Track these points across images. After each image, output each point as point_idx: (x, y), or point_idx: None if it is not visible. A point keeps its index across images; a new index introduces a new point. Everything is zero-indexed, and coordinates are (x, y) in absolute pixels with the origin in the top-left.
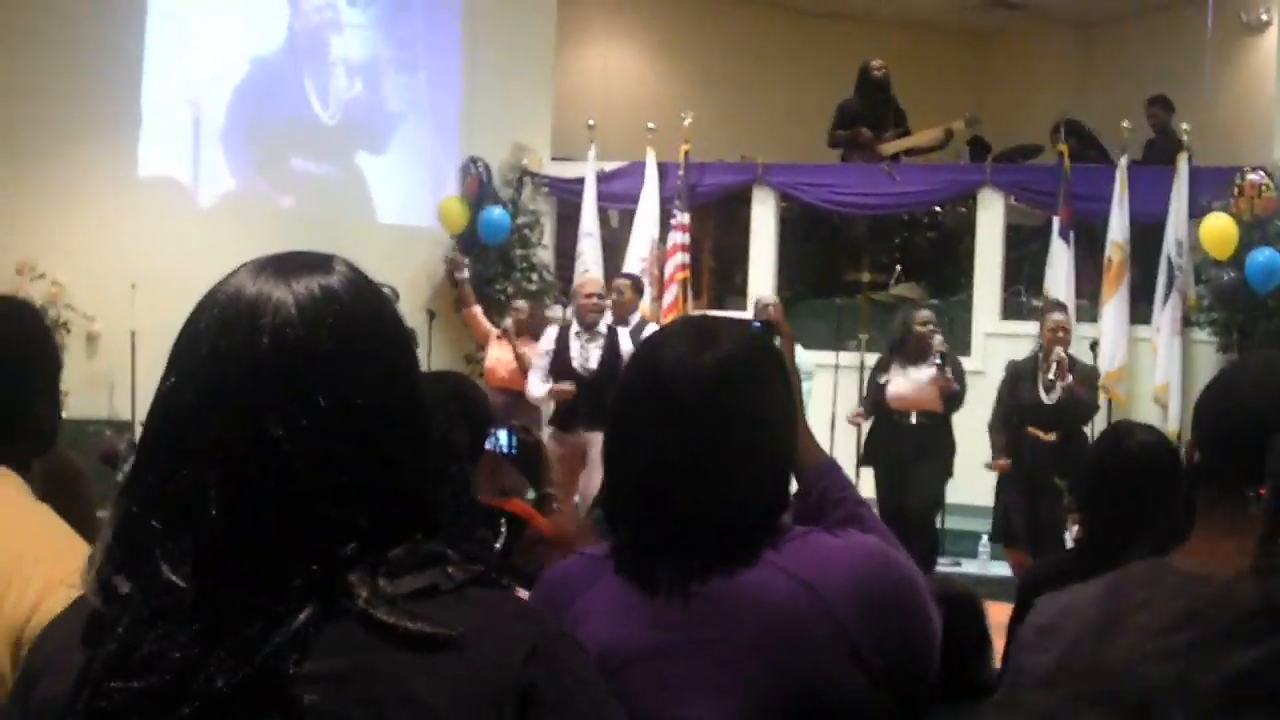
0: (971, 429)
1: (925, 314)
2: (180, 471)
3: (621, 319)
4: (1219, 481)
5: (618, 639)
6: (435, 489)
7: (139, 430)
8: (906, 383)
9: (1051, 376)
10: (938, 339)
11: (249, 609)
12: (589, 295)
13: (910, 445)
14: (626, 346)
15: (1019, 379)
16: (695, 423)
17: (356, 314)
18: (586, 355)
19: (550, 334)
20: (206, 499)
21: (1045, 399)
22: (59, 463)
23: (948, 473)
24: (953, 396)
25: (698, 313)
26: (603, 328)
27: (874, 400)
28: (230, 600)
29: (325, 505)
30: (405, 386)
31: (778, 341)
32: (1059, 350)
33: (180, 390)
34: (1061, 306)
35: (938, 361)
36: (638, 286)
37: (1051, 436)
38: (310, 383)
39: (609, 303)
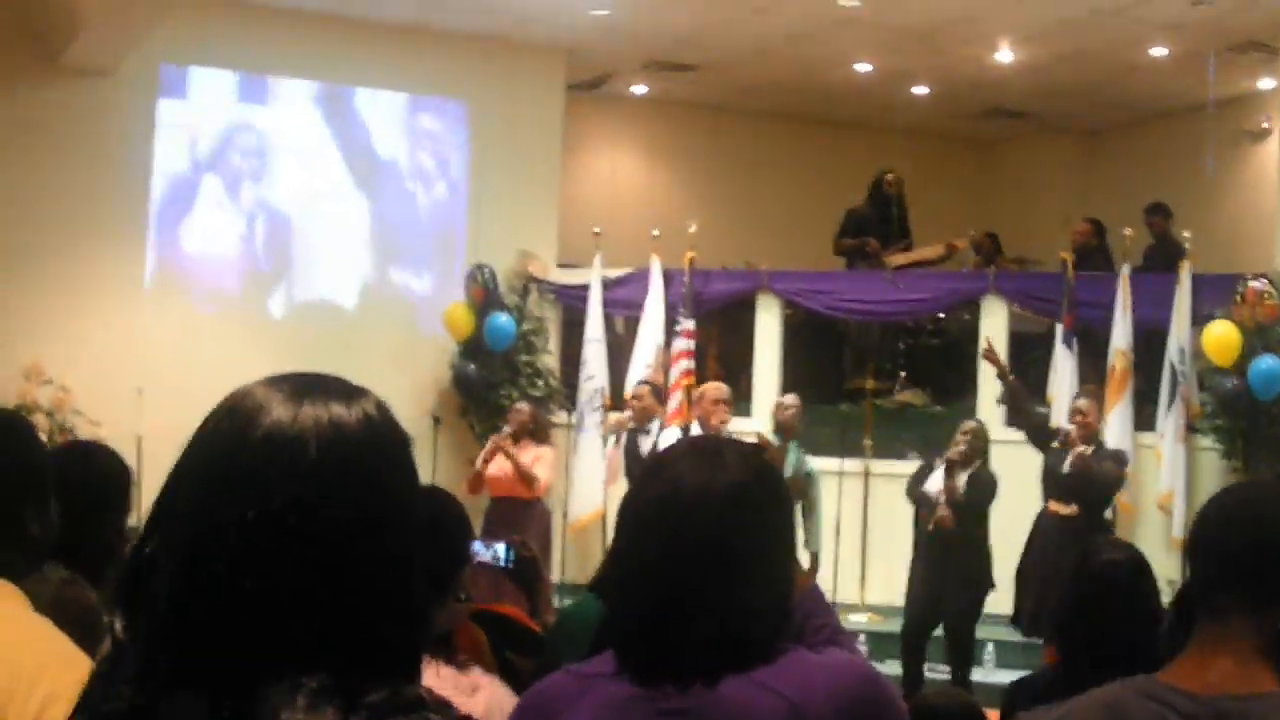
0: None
1: (969, 424)
2: (145, 553)
3: (642, 426)
4: (1216, 599)
5: None
6: (413, 634)
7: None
8: (932, 486)
9: (1060, 442)
10: (957, 449)
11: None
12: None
13: (937, 551)
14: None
15: (1050, 452)
16: (710, 549)
17: (355, 443)
18: None
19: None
20: (157, 585)
21: (1064, 467)
22: (70, 596)
23: (984, 580)
24: (961, 506)
25: (699, 434)
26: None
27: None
28: (169, 696)
29: (266, 618)
30: (386, 523)
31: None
32: (1074, 429)
33: (172, 480)
34: (1092, 394)
35: (947, 466)
36: (658, 393)
37: (1071, 509)
38: (279, 487)
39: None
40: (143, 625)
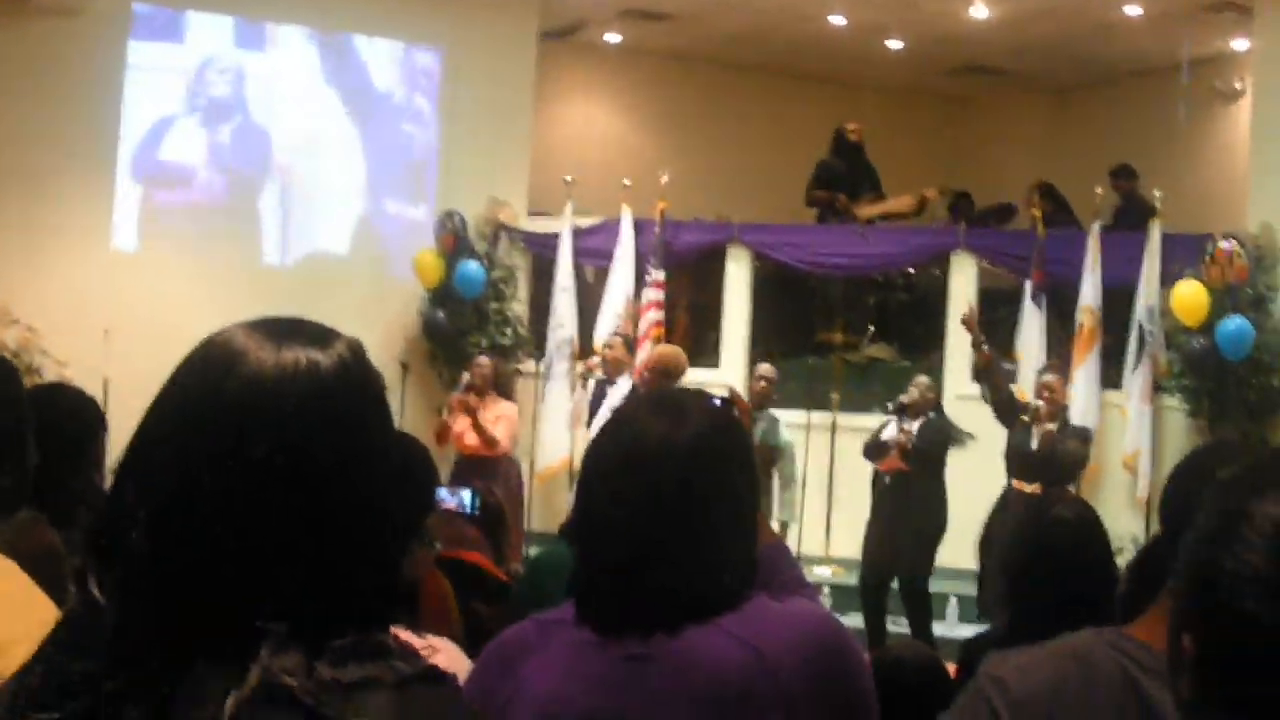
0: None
1: (923, 378)
2: (121, 503)
3: (611, 378)
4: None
5: (567, 700)
6: (387, 580)
7: (110, 478)
8: (889, 431)
9: (1028, 418)
10: (908, 395)
11: (165, 666)
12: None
13: (891, 503)
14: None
15: (1013, 429)
16: (673, 501)
17: (330, 389)
18: None
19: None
20: (132, 533)
21: (1031, 444)
22: (32, 536)
23: (935, 532)
24: (913, 453)
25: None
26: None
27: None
28: (147, 650)
29: (249, 568)
30: (361, 469)
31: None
32: (1042, 405)
33: (146, 426)
34: (1055, 369)
35: (896, 418)
36: (630, 345)
37: (1035, 488)
38: (255, 436)
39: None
40: (119, 574)
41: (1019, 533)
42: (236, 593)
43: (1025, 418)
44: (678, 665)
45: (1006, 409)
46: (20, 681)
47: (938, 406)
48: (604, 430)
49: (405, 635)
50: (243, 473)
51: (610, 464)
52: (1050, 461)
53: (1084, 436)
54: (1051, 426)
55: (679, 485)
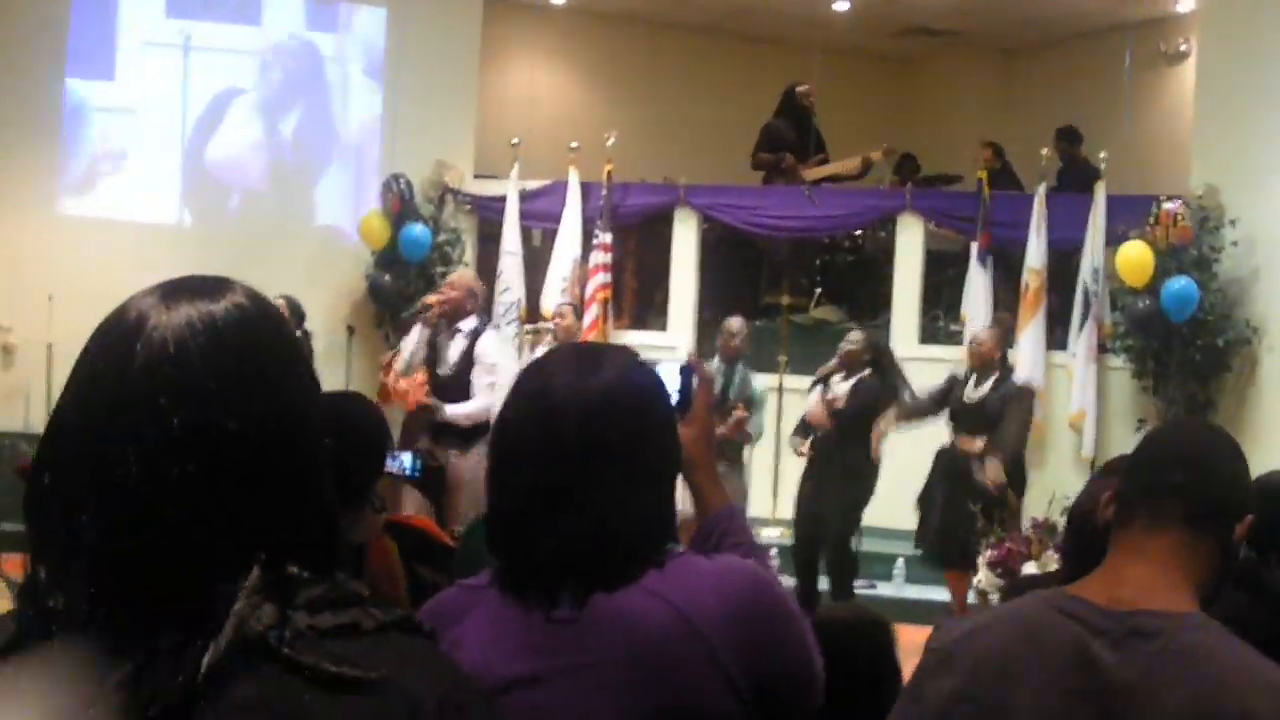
0: (886, 450)
1: (854, 334)
2: (58, 493)
3: (563, 343)
4: (1138, 510)
5: (490, 666)
6: (326, 527)
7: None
8: (812, 400)
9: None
10: (839, 355)
11: (143, 632)
12: None
13: (821, 465)
14: None
15: (953, 387)
16: (579, 448)
17: (236, 343)
18: None
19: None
20: (79, 522)
21: (969, 399)
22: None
23: (860, 494)
24: (840, 415)
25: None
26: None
27: (803, 420)
28: (122, 623)
29: (200, 534)
30: (286, 422)
31: (695, 383)
32: (976, 359)
33: (64, 410)
34: (993, 325)
35: (817, 380)
36: (579, 312)
37: (977, 445)
38: (173, 410)
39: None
40: (54, 557)
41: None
42: (190, 558)
43: (959, 377)
44: (600, 627)
45: (943, 399)
46: None
47: (874, 362)
48: (519, 379)
49: None
50: (167, 443)
51: (519, 412)
52: (992, 413)
53: (1025, 396)
54: (986, 382)
55: (584, 432)
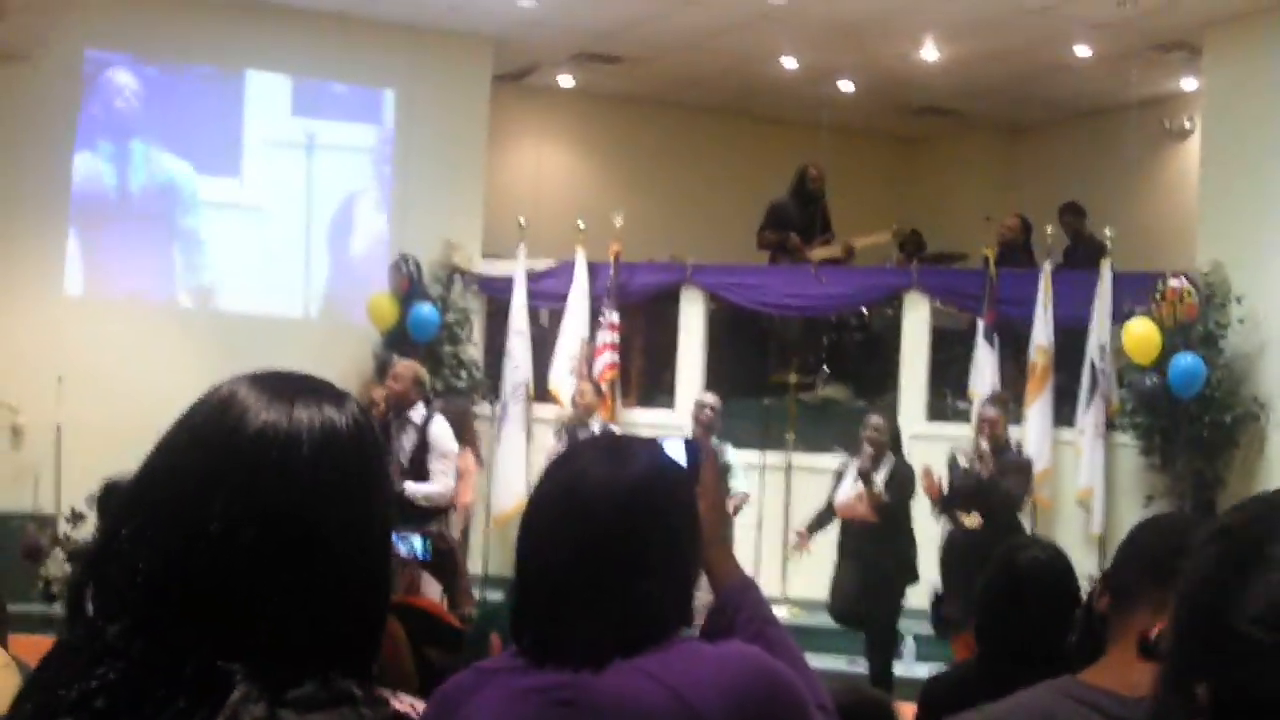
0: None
1: (875, 419)
2: (126, 541)
3: (583, 421)
4: (1133, 603)
5: None
6: (375, 632)
7: (62, 525)
8: (846, 493)
9: (969, 462)
10: (866, 454)
11: (151, 694)
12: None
13: (861, 551)
14: None
15: (954, 465)
16: (605, 541)
17: (346, 454)
18: None
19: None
20: (134, 570)
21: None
22: None
23: (909, 580)
24: (884, 507)
25: (616, 429)
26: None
27: (829, 503)
28: (130, 695)
29: (242, 612)
30: (366, 535)
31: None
32: (983, 441)
33: (153, 468)
34: (999, 402)
35: (860, 476)
36: (599, 390)
37: (975, 521)
38: (271, 501)
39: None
40: (105, 611)
41: (991, 569)
42: (223, 634)
43: (971, 461)
44: (601, 710)
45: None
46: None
47: (894, 447)
48: (548, 470)
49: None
50: (249, 525)
51: (550, 503)
52: (991, 494)
53: (1024, 468)
54: (990, 464)
55: (616, 526)
